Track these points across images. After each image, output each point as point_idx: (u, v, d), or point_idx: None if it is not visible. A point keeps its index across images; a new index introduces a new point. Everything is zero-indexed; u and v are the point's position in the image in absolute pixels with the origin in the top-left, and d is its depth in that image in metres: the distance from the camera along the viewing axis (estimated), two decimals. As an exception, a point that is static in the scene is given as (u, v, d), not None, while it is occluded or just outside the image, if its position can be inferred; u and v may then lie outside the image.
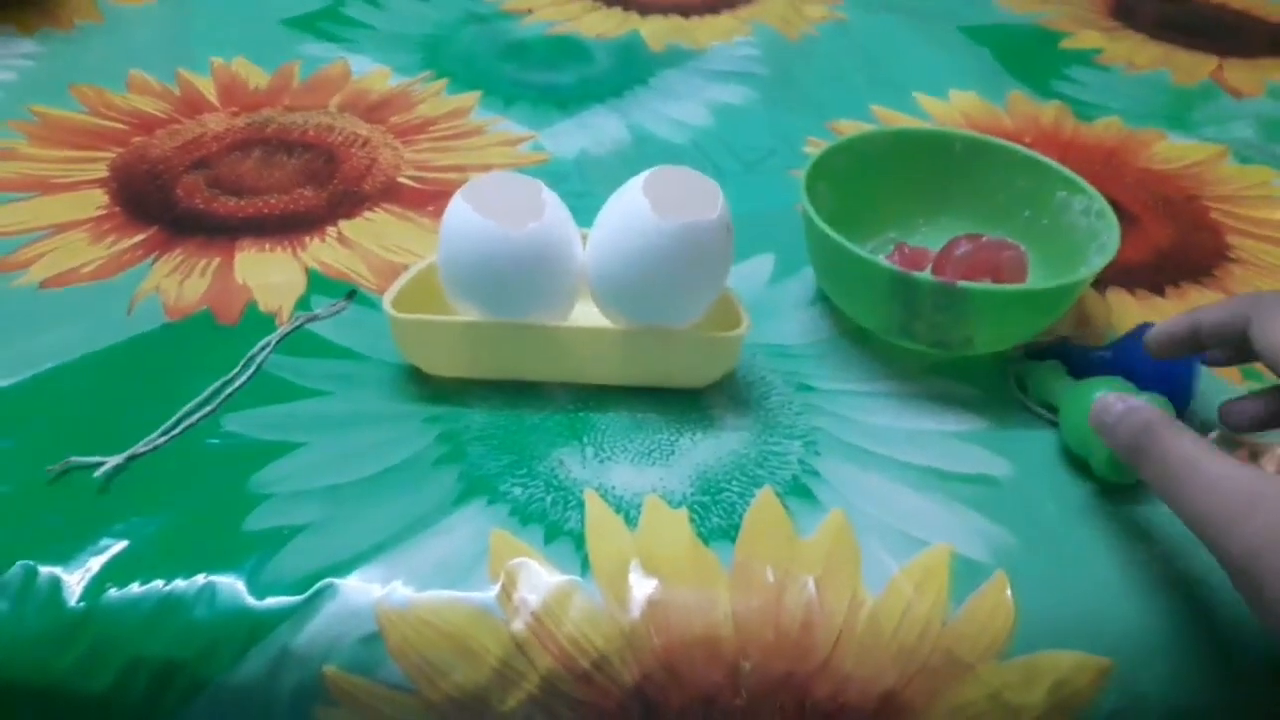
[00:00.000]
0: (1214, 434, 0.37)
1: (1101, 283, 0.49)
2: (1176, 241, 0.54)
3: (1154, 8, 0.82)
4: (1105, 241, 0.42)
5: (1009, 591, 0.34)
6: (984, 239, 0.44)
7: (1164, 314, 0.47)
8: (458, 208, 0.38)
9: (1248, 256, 0.53)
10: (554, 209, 0.39)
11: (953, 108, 0.65)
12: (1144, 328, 0.39)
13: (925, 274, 0.39)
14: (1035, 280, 0.44)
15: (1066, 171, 0.46)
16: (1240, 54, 0.76)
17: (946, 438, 0.40)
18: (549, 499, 0.37)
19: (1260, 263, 0.52)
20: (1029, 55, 0.73)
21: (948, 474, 0.38)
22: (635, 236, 0.37)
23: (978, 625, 0.33)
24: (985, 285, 0.39)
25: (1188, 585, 0.35)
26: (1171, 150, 0.62)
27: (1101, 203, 0.44)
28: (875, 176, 0.48)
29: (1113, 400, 0.34)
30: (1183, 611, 0.34)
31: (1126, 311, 0.48)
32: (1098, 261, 0.41)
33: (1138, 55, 0.74)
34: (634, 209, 0.37)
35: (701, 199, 0.37)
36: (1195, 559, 0.36)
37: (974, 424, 0.41)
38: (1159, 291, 0.50)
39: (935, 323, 0.40)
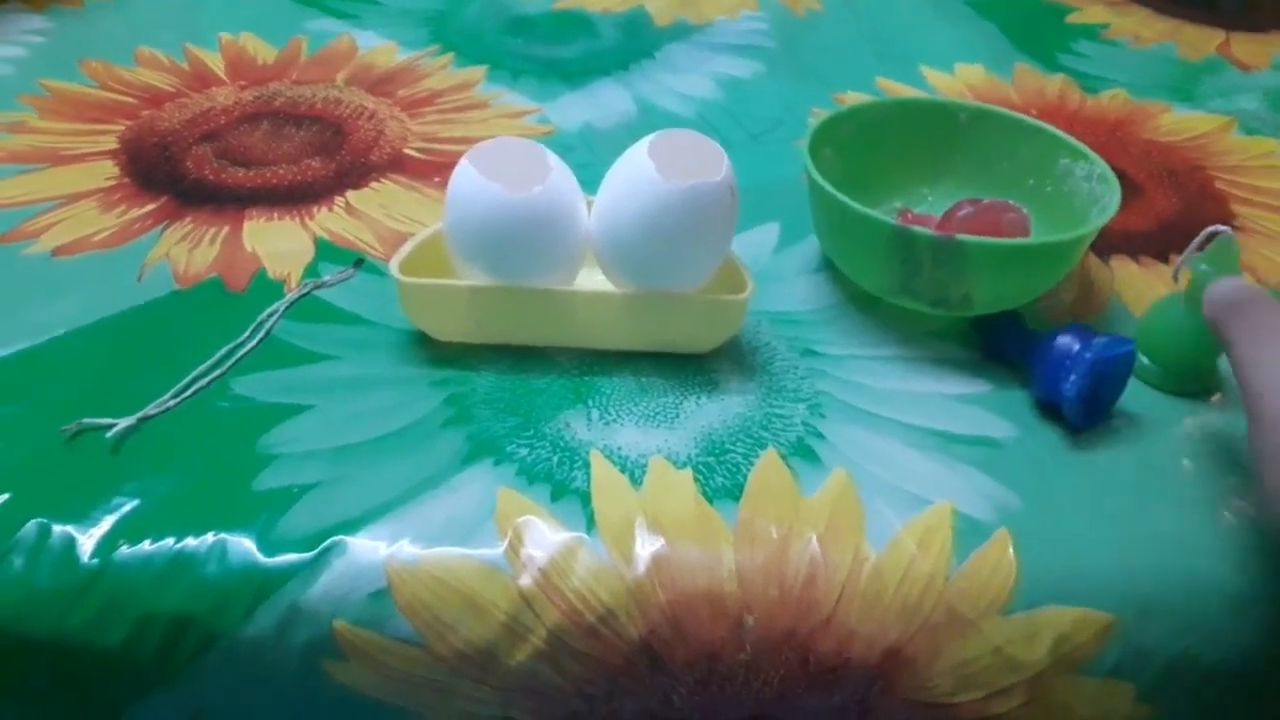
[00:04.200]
0: None
1: (1106, 251, 0.49)
2: (1181, 211, 0.54)
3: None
4: (1107, 204, 0.42)
5: (1011, 549, 0.34)
6: (986, 202, 0.44)
7: (1167, 281, 0.48)
8: (464, 171, 0.38)
9: (1253, 225, 0.53)
10: (559, 173, 0.39)
11: (958, 81, 0.65)
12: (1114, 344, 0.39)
13: (924, 229, 0.40)
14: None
15: (1069, 139, 0.46)
16: (1247, 28, 0.75)
17: (949, 400, 0.40)
18: (555, 459, 0.37)
19: (1265, 230, 0.52)
20: (1035, 29, 0.73)
21: (950, 435, 0.39)
22: (640, 199, 0.38)
23: (980, 581, 0.34)
24: (982, 239, 0.39)
25: (1189, 542, 0.35)
26: (1177, 122, 0.62)
27: (1103, 167, 0.44)
28: (880, 145, 0.48)
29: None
30: (1184, 568, 0.35)
31: (1130, 280, 0.48)
32: (1097, 219, 0.41)
33: (1144, 29, 0.74)
34: (639, 172, 0.38)
35: (707, 162, 0.38)
36: (1196, 516, 0.36)
37: (976, 387, 0.41)
38: (1163, 259, 0.50)
39: (935, 279, 0.40)
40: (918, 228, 0.40)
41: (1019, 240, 0.42)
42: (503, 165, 0.38)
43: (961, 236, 0.39)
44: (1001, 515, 0.36)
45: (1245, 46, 0.72)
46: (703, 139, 0.39)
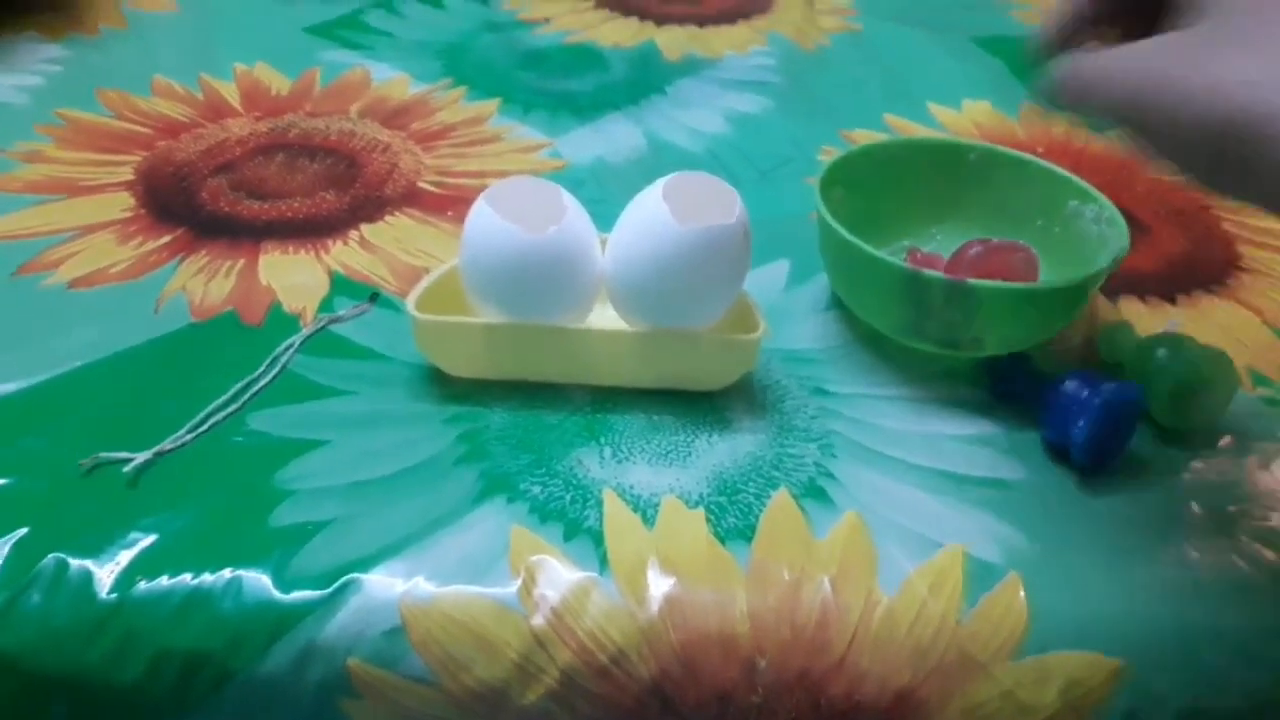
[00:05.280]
0: None
1: (1114, 291, 0.50)
2: (1188, 251, 0.54)
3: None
4: (1114, 247, 0.43)
5: (1022, 593, 0.35)
6: (995, 242, 0.44)
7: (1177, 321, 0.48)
8: (481, 211, 0.38)
9: (1259, 266, 0.53)
10: (574, 213, 0.39)
11: (965, 117, 0.65)
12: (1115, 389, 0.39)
13: (935, 272, 0.40)
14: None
15: (1078, 181, 0.47)
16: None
17: (960, 441, 0.41)
18: (568, 497, 0.37)
19: (1272, 273, 0.53)
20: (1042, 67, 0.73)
21: (961, 477, 0.39)
22: (655, 241, 0.38)
23: (991, 625, 0.34)
24: (993, 283, 0.40)
25: (1200, 588, 0.36)
26: (1183, 161, 0.62)
27: (1112, 209, 0.44)
28: (890, 185, 0.49)
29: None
30: (1196, 613, 0.35)
31: (1139, 320, 0.48)
32: (1104, 262, 0.42)
33: (1150, 67, 0.75)
34: (654, 214, 0.38)
35: (720, 204, 0.38)
36: (1207, 562, 0.36)
37: (987, 428, 0.41)
38: (1170, 300, 0.50)
39: (946, 322, 0.41)
40: (929, 271, 0.40)
41: (1029, 284, 0.42)
42: (519, 205, 0.38)
43: (972, 281, 0.39)
44: (1012, 558, 0.36)
45: None
46: (716, 181, 0.39)
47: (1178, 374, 0.41)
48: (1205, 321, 0.48)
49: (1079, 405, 0.39)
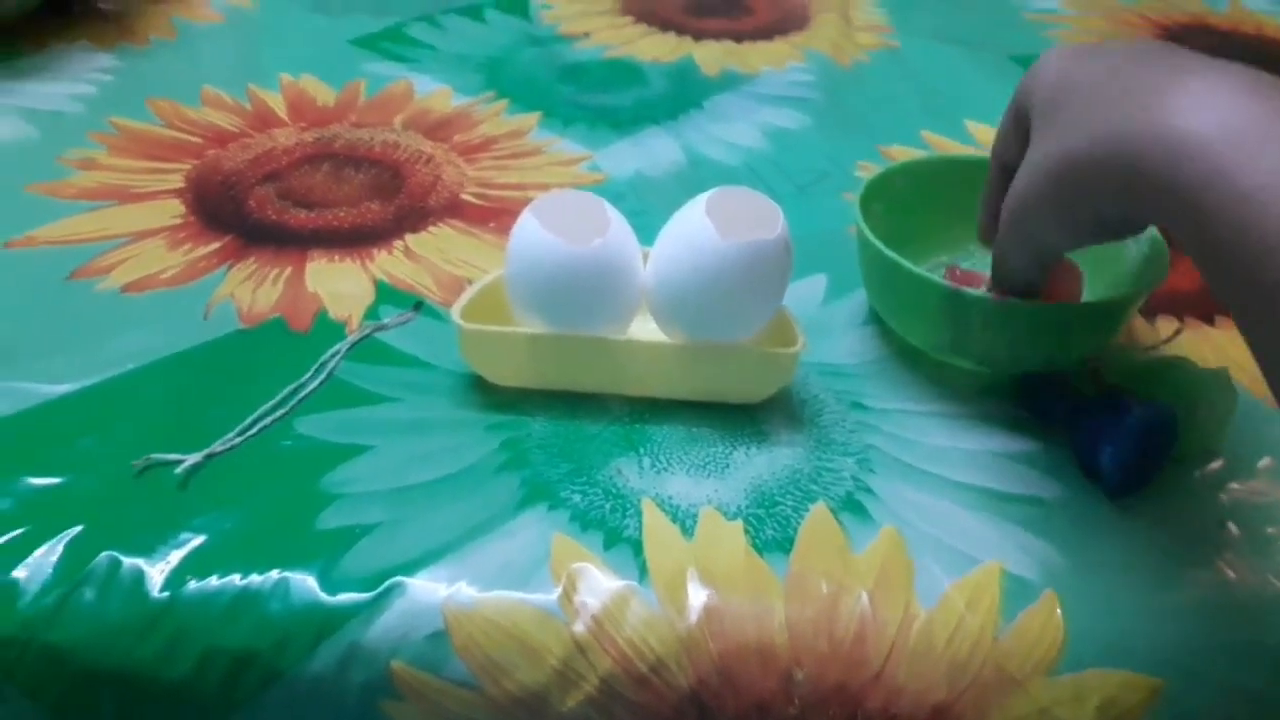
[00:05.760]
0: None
1: (1151, 311, 0.50)
2: (1227, 271, 0.54)
3: (1204, 40, 0.83)
4: (1155, 267, 0.43)
5: (1059, 610, 0.35)
6: None
7: (1213, 342, 0.48)
8: (526, 224, 0.39)
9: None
10: (618, 227, 0.40)
11: (1003, 135, 0.65)
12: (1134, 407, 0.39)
13: (976, 290, 0.40)
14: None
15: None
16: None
17: (998, 458, 0.41)
18: (608, 506, 0.38)
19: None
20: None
21: (999, 494, 0.39)
22: (697, 255, 0.39)
23: (1028, 642, 0.34)
24: (1033, 304, 0.40)
25: (1238, 607, 0.36)
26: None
27: (1152, 229, 0.45)
28: (928, 201, 0.49)
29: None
30: (1233, 633, 0.35)
31: (1177, 340, 0.48)
32: (1145, 282, 0.42)
33: (1188, 86, 0.75)
34: (697, 228, 0.39)
35: (763, 219, 0.39)
36: (1243, 581, 0.36)
37: (1025, 445, 0.41)
38: (1208, 320, 0.50)
39: (984, 339, 0.41)
40: (970, 290, 0.40)
41: (1068, 304, 0.42)
42: (564, 218, 0.39)
43: (1013, 300, 0.39)
44: (1049, 575, 0.36)
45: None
46: (759, 196, 0.40)
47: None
48: (1244, 343, 0.48)
49: (1107, 432, 0.39)
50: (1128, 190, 0.31)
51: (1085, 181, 0.33)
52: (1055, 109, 0.35)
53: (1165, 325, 0.49)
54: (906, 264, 0.41)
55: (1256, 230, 0.27)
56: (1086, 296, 0.45)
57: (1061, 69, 0.36)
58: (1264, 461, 0.42)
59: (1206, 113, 0.29)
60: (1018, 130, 0.38)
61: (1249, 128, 0.29)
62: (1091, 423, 0.39)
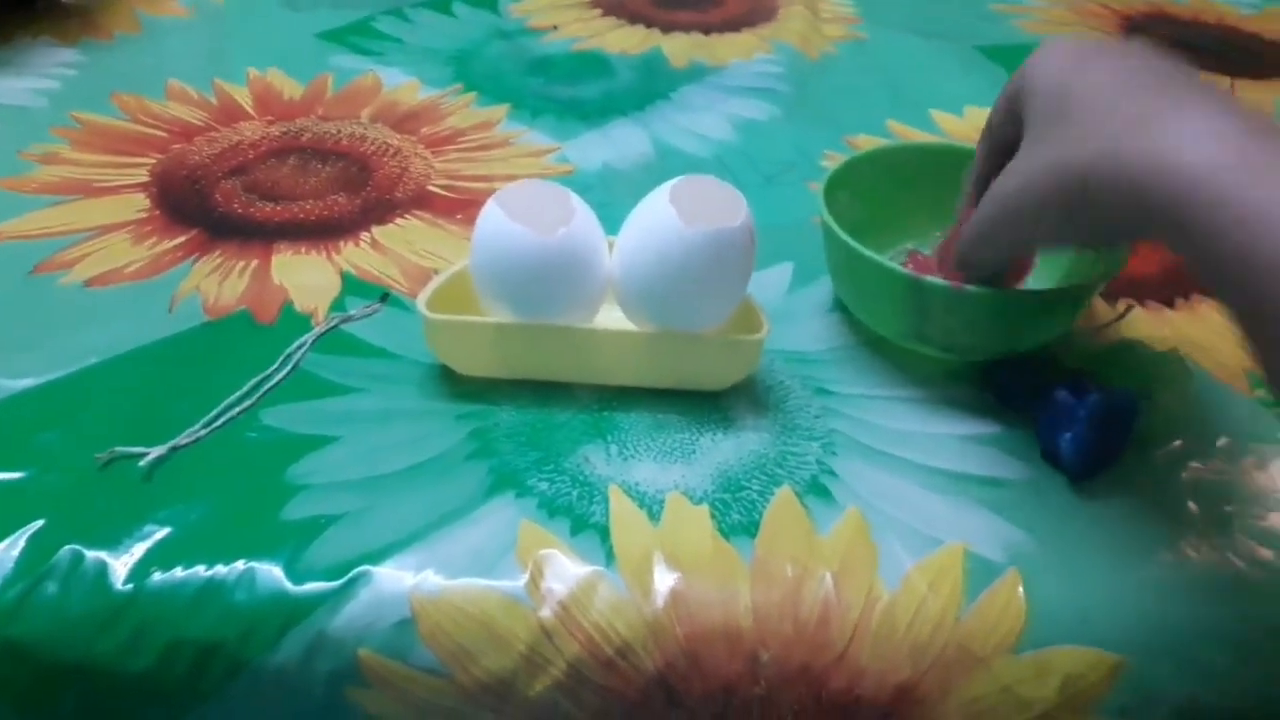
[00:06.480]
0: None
1: (1113, 295, 0.50)
2: (1188, 257, 0.55)
3: (1166, 29, 0.84)
4: (1114, 253, 0.43)
5: (1021, 588, 0.35)
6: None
7: (1174, 326, 0.49)
8: (491, 213, 0.39)
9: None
10: (583, 216, 0.40)
11: (967, 123, 0.66)
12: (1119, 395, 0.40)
13: (935, 278, 0.41)
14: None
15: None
16: (1252, 74, 0.77)
17: (961, 441, 0.41)
18: (575, 493, 0.38)
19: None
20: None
21: (962, 476, 0.40)
22: (661, 243, 0.39)
23: (990, 621, 0.35)
24: (994, 290, 0.40)
25: (1199, 585, 0.36)
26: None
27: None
28: (893, 189, 0.49)
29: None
30: (1194, 611, 0.35)
31: (1137, 323, 0.49)
32: (1105, 269, 0.42)
33: (1151, 76, 0.75)
34: (661, 217, 0.39)
35: (726, 207, 0.39)
36: (1204, 560, 0.37)
37: (988, 428, 0.42)
38: (1169, 304, 0.51)
39: (946, 327, 0.41)
40: (929, 278, 0.41)
41: (1029, 291, 0.43)
42: (529, 207, 0.39)
43: (972, 287, 0.40)
44: (1012, 555, 0.36)
45: (1250, 93, 0.74)
46: (722, 184, 0.40)
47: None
48: (1203, 325, 0.49)
49: (1066, 417, 0.39)
50: (1134, 212, 0.32)
51: (1089, 195, 0.33)
52: (1056, 116, 0.35)
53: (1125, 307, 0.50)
54: (868, 252, 0.42)
55: (1265, 254, 0.29)
56: (1046, 283, 0.45)
57: (1062, 71, 0.36)
58: (1222, 441, 0.42)
59: (1209, 143, 0.30)
60: (1012, 115, 0.39)
61: (1248, 157, 0.30)
62: (1052, 408, 0.40)
